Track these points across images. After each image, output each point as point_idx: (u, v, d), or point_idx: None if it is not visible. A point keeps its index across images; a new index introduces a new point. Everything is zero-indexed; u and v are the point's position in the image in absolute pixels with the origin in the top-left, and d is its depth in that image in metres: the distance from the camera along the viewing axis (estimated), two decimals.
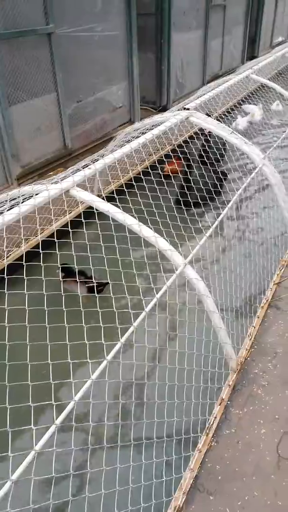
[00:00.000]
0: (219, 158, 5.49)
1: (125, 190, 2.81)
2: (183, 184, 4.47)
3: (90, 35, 5.48)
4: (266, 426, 2.38)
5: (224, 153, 5.78)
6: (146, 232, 2.48)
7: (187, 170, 5.07)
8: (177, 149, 4.37)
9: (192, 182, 4.44)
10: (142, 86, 6.99)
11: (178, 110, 4.22)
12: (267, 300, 3.33)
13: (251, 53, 11.47)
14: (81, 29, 5.26)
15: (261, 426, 2.38)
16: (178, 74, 8.04)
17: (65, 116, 5.32)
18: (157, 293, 2.19)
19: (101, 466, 1.80)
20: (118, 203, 2.59)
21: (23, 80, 4.64)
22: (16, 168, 4.89)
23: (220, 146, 5.37)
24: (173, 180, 4.82)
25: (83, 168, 2.77)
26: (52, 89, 5.05)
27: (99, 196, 2.75)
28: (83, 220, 2.41)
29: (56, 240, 2.31)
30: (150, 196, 2.92)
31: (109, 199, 2.66)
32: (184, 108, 4.04)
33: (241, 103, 7.65)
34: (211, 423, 2.38)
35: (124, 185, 3.34)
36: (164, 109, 7.45)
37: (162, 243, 2.49)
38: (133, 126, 4.43)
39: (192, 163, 5.10)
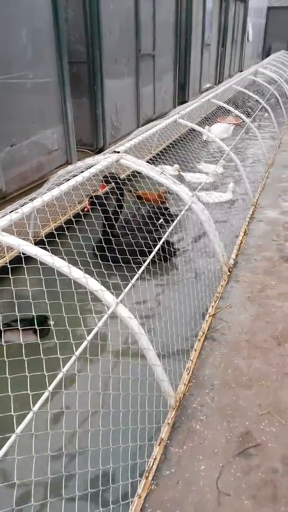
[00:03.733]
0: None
1: (55, 233, 2.82)
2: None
3: (22, 81, 5.58)
4: (205, 461, 2.36)
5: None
6: (76, 273, 2.48)
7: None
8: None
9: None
10: (78, 129, 7.17)
11: (110, 153, 4.36)
12: (203, 333, 3.39)
13: (182, 98, 12.22)
14: (12, 76, 5.35)
15: (201, 462, 2.36)
16: (113, 118, 8.35)
17: None
18: (88, 335, 2.17)
19: None
20: (47, 246, 2.58)
21: None
22: None
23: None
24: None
25: (11, 212, 2.75)
26: None
27: (34, 240, 2.73)
28: (8, 266, 2.36)
29: None
30: (80, 237, 2.95)
31: (47, 242, 2.65)
32: (115, 151, 4.18)
33: (171, 146, 7.89)
34: (151, 465, 2.33)
35: (56, 228, 3.35)
36: (101, 151, 7.65)
37: (92, 284, 2.49)
38: (66, 168, 4.50)
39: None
